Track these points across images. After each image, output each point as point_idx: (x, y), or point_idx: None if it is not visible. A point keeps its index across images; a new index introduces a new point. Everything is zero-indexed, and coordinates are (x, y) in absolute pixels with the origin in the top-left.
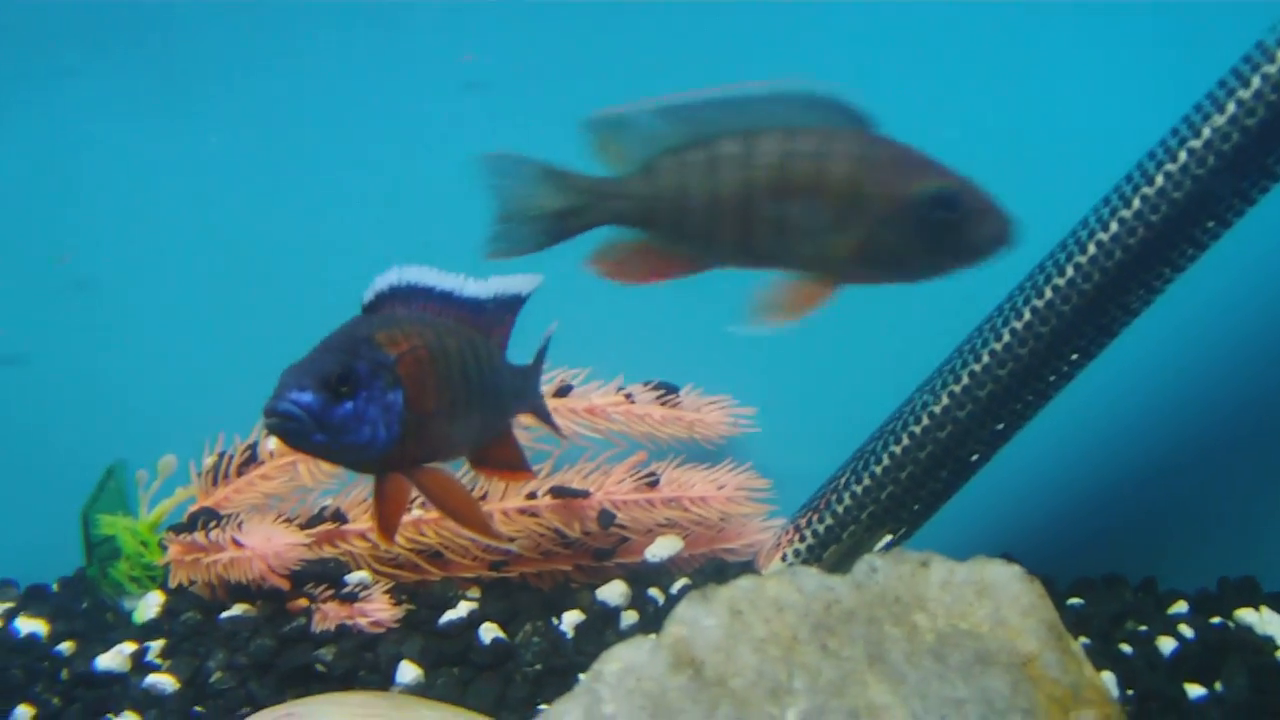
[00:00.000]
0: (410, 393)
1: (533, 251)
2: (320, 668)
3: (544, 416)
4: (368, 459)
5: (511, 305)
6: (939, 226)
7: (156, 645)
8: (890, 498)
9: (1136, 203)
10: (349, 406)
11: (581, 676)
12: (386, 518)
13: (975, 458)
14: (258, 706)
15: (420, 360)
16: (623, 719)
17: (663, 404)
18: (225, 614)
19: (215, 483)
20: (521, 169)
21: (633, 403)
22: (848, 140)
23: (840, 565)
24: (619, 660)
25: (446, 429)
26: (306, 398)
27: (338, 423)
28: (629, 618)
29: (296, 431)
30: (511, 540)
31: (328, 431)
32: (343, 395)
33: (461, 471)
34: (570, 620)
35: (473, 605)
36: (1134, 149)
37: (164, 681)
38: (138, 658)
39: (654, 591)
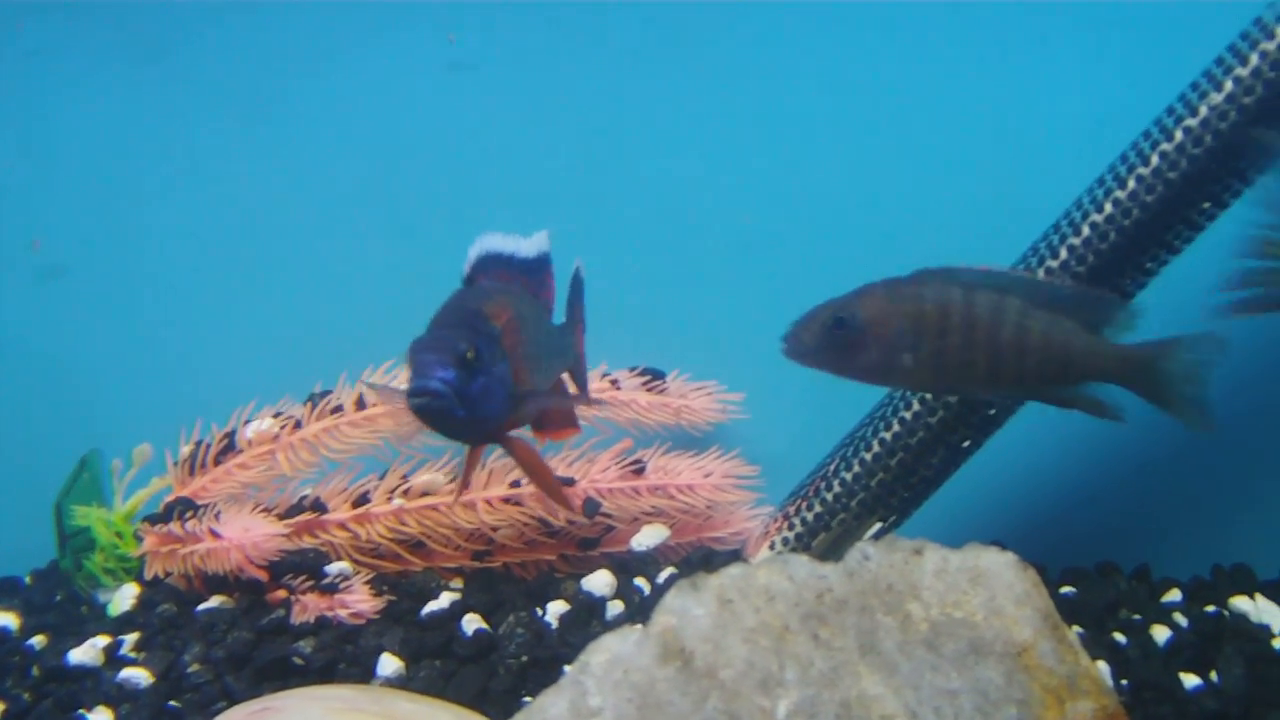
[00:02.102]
0: (512, 364)
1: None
2: (299, 661)
3: (579, 376)
4: (488, 430)
5: (544, 263)
6: None
7: (131, 638)
8: (880, 484)
9: (1131, 183)
10: (481, 381)
11: (567, 668)
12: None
13: (967, 444)
14: (234, 700)
15: (514, 331)
16: (609, 711)
17: (649, 390)
18: (202, 606)
19: (192, 472)
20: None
21: (618, 389)
22: None
23: (830, 553)
24: (606, 651)
25: (531, 394)
26: (450, 374)
27: (475, 397)
28: (615, 608)
29: (443, 409)
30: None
31: (466, 406)
32: (475, 370)
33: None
34: (555, 610)
35: (455, 596)
36: (1131, 127)
37: (138, 675)
38: (111, 651)
39: (640, 581)
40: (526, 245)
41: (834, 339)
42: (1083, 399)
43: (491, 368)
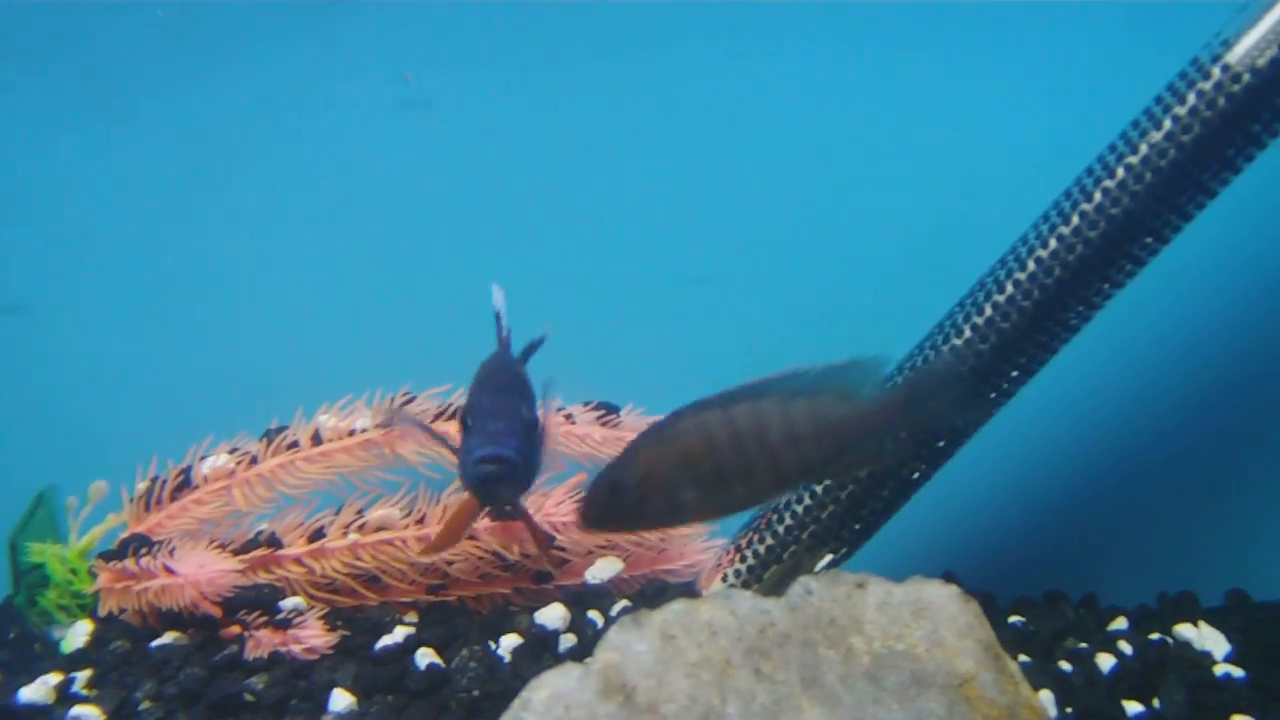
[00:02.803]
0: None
1: None
2: (249, 697)
3: None
4: (526, 493)
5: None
6: None
7: (83, 675)
8: (831, 517)
9: (1075, 219)
10: (537, 451)
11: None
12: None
13: (916, 476)
14: None
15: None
16: None
17: (603, 424)
18: (156, 642)
19: (148, 508)
20: None
21: (573, 423)
22: None
23: (780, 586)
24: (547, 688)
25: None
26: (519, 444)
27: (532, 466)
28: (568, 641)
29: (512, 476)
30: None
31: (526, 475)
32: (535, 440)
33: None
34: (508, 644)
35: (409, 630)
36: (1073, 165)
37: (89, 713)
38: (63, 689)
39: (594, 614)
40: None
41: (617, 504)
42: (862, 457)
43: (537, 435)
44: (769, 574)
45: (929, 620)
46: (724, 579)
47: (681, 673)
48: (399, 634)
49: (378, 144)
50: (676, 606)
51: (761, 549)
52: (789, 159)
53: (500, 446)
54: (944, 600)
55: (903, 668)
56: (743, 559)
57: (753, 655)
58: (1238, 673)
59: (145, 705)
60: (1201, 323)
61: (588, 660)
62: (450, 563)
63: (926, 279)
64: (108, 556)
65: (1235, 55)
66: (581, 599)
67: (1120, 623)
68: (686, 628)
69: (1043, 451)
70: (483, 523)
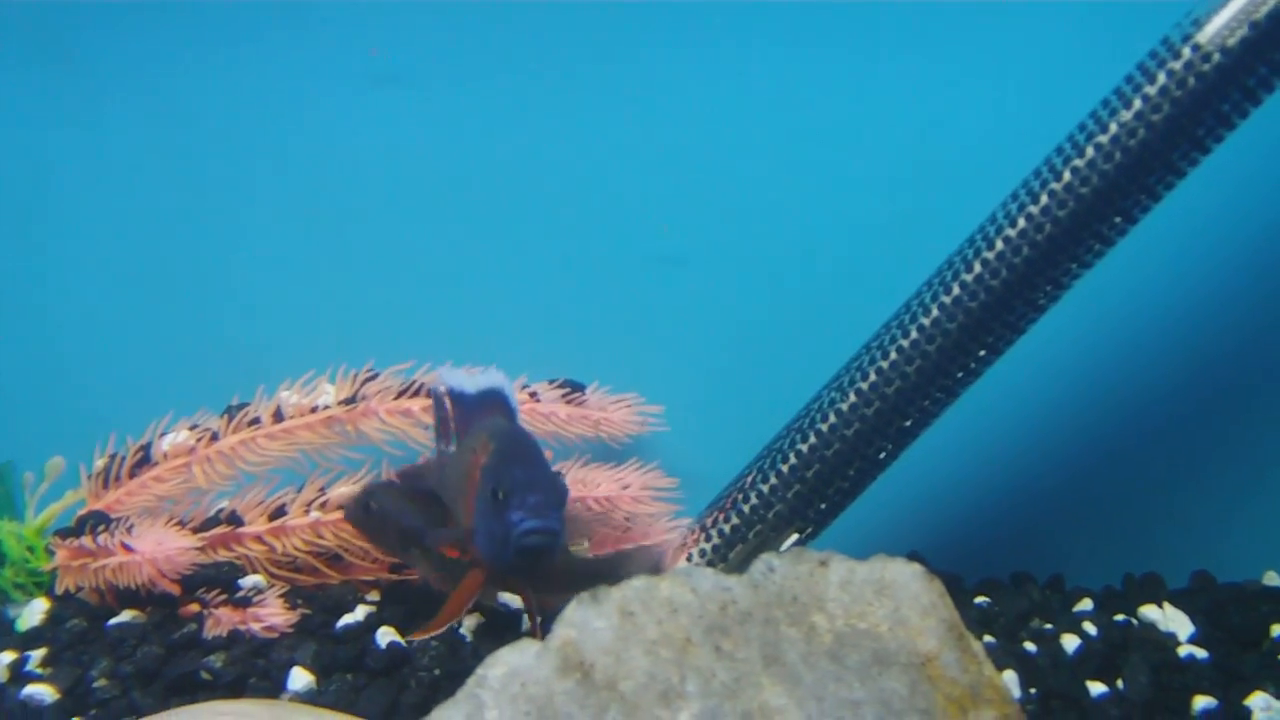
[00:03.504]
0: None
1: None
2: (206, 675)
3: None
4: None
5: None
6: None
7: (38, 654)
8: (797, 496)
9: (1044, 198)
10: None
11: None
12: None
13: (883, 455)
14: (140, 716)
15: None
16: None
17: (568, 402)
18: (113, 621)
19: (106, 485)
20: None
21: (538, 401)
22: None
23: (744, 566)
24: (504, 664)
25: None
26: (560, 516)
27: (564, 532)
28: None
29: (552, 549)
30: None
31: (561, 539)
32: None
33: None
34: (470, 623)
35: (371, 609)
36: (1044, 144)
37: (42, 692)
38: (17, 667)
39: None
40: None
41: None
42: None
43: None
44: (734, 553)
45: (892, 599)
46: (689, 558)
47: (641, 650)
48: (360, 613)
49: (346, 121)
50: (636, 583)
51: (727, 528)
52: (755, 139)
53: (545, 519)
54: (907, 579)
55: (865, 646)
56: (708, 538)
57: (713, 633)
58: (1201, 654)
59: (100, 683)
60: (1169, 305)
61: (545, 637)
62: None
63: (893, 260)
64: (65, 534)
65: (1206, 35)
66: None
67: (1085, 604)
68: (646, 604)
69: (1010, 433)
70: None
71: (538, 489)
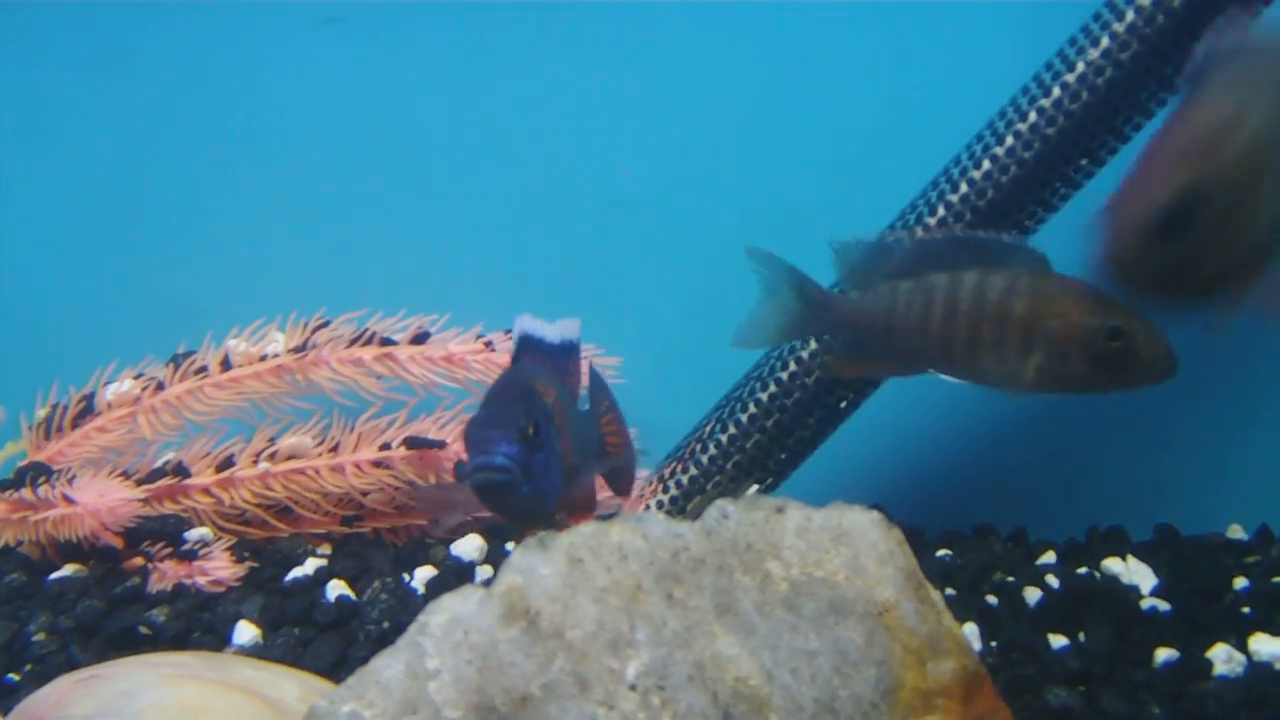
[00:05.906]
0: (562, 441)
1: (765, 347)
2: (145, 630)
3: (624, 474)
4: (547, 508)
5: (572, 350)
6: (1110, 355)
7: None
8: (756, 446)
9: (1009, 139)
10: (541, 456)
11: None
12: None
13: (844, 404)
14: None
15: (561, 409)
16: (448, 674)
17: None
18: (54, 575)
19: (48, 436)
20: (774, 267)
21: (493, 351)
22: (1034, 279)
23: (699, 514)
24: (446, 611)
25: (576, 473)
26: (514, 450)
27: (536, 473)
28: (484, 572)
29: (509, 484)
30: None
31: (530, 482)
32: (536, 446)
33: None
34: (422, 576)
35: (321, 562)
36: (1012, 83)
37: None
38: None
39: (511, 545)
40: (555, 330)
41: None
42: None
43: (550, 444)
44: (692, 505)
45: (849, 547)
46: (647, 509)
47: (589, 597)
48: (310, 566)
49: (292, 62)
50: (585, 529)
51: (685, 479)
52: (712, 79)
53: (488, 455)
54: (865, 526)
55: (821, 595)
56: (665, 490)
57: (664, 580)
58: (1164, 606)
59: (39, 637)
60: None
61: (490, 583)
62: (365, 493)
63: (857, 203)
64: (4, 486)
65: None
66: (498, 530)
67: (1049, 557)
68: (595, 551)
69: (971, 384)
70: (398, 453)
71: (493, 424)
